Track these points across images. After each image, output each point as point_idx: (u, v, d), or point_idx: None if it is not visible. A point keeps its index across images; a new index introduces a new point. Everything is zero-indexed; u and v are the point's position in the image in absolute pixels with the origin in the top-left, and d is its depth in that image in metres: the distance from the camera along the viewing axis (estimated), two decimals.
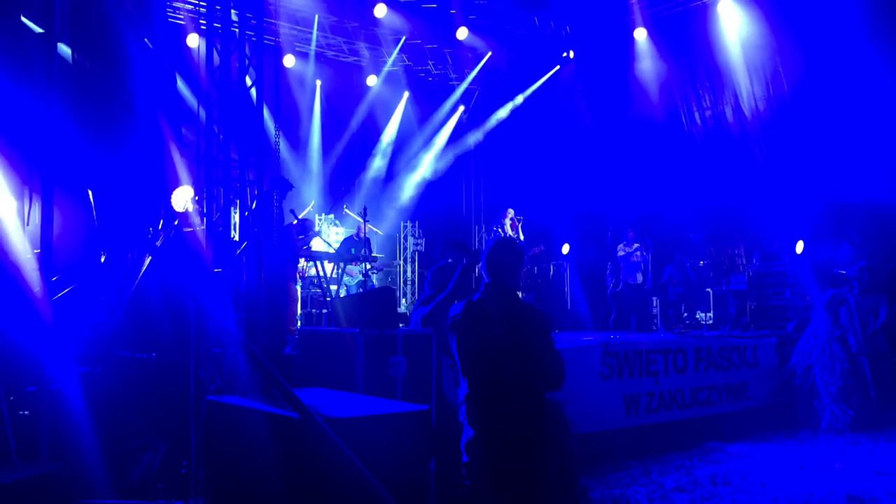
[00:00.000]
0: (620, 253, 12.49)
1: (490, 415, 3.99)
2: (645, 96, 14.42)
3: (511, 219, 13.38)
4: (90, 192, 7.78)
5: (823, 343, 9.04)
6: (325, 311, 11.12)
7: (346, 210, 15.17)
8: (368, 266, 12.26)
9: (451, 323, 4.25)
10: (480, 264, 4.32)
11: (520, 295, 4.86)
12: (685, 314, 12.80)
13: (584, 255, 14.26)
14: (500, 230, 13.43)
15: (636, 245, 12.42)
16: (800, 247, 11.45)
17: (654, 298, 12.87)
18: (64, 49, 7.70)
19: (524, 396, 3.97)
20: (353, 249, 12.29)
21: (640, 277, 12.36)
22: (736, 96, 13.45)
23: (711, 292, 12.71)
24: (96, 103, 8.26)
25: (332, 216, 15.06)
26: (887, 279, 9.55)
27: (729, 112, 13.72)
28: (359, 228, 12.71)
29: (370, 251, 12.56)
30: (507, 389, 3.96)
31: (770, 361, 9.48)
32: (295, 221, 11.28)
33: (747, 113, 13.30)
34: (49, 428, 5.43)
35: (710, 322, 12.33)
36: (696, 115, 14.34)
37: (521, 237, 13.28)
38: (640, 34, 14.18)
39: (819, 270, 10.43)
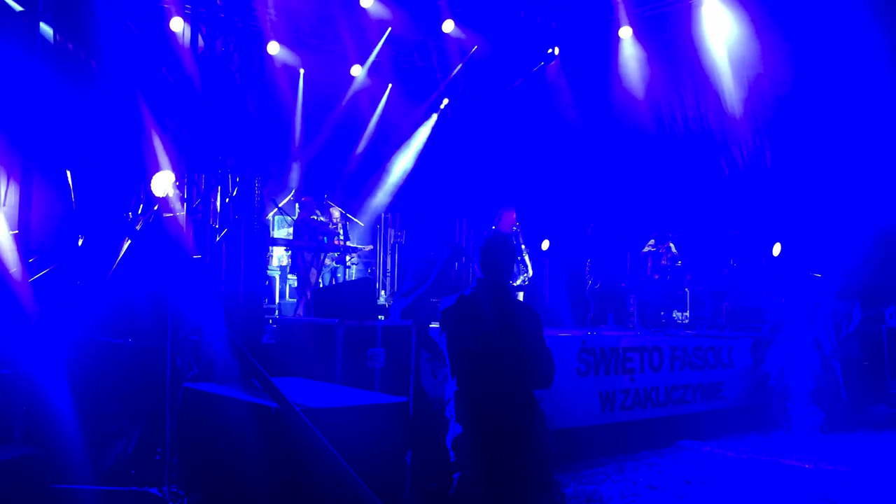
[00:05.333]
0: (648, 250, 12.55)
1: (480, 412, 3.96)
2: (628, 95, 14.45)
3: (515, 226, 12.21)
4: (69, 174, 7.69)
5: (797, 346, 9.15)
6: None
7: (327, 200, 15.10)
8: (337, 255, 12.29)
9: (441, 317, 4.21)
10: (474, 259, 4.28)
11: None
12: (662, 313, 12.89)
13: (564, 251, 14.31)
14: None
15: (666, 246, 12.52)
16: (777, 249, 11.57)
17: (632, 296, 12.93)
18: (45, 28, 7.59)
19: (514, 394, 3.95)
20: (326, 238, 12.24)
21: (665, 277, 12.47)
22: (718, 98, 13.50)
23: (688, 292, 12.80)
24: (76, 85, 8.16)
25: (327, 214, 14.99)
26: (862, 284, 9.67)
27: (711, 114, 13.79)
28: (331, 216, 12.66)
29: (347, 238, 12.55)
30: (497, 387, 3.94)
31: (745, 362, 9.58)
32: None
33: (729, 115, 13.37)
34: (23, 411, 5.38)
35: (687, 322, 12.42)
36: (678, 116, 14.40)
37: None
38: (626, 33, 14.20)
39: (795, 273, 10.54)
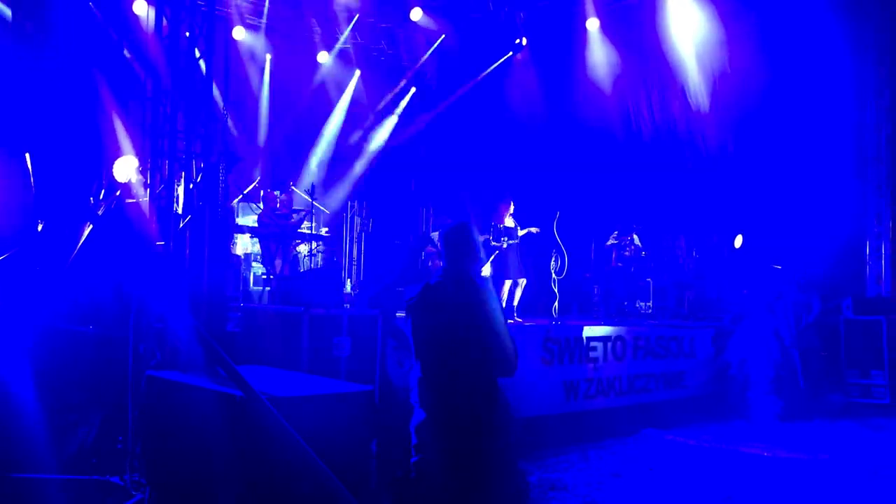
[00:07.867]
0: (612, 242, 12.64)
1: (442, 399, 3.99)
2: (595, 87, 14.50)
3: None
4: (28, 158, 7.54)
5: (758, 336, 9.30)
6: (268, 288, 11.01)
7: (293, 188, 14.99)
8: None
9: (406, 306, 4.22)
10: (438, 248, 4.29)
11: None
12: (626, 303, 13.01)
13: (530, 241, 14.35)
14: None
15: (629, 238, 12.61)
16: (738, 241, 11.73)
17: (596, 287, 13.03)
18: (3, 9, 7.45)
19: (476, 382, 3.98)
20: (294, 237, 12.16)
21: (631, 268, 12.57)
22: (684, 92, 13.60)
23: (652, 282, 12.93)
24: (35, 67, 7.99)
25: (278, 192, 14.86)
26: (821, 276, 9.86)
27: (676, 107, 13.89)
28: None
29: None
30: (459, 374, 3.97)
31: (706, 352, 9.71)
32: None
33: (694, 108, 13.48)
34: None
35: (650, 312, 12.56)
36: (644, 109, 14.49)
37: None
38: (593, 24, 14.22)
39: (756, 265, 10.70)
